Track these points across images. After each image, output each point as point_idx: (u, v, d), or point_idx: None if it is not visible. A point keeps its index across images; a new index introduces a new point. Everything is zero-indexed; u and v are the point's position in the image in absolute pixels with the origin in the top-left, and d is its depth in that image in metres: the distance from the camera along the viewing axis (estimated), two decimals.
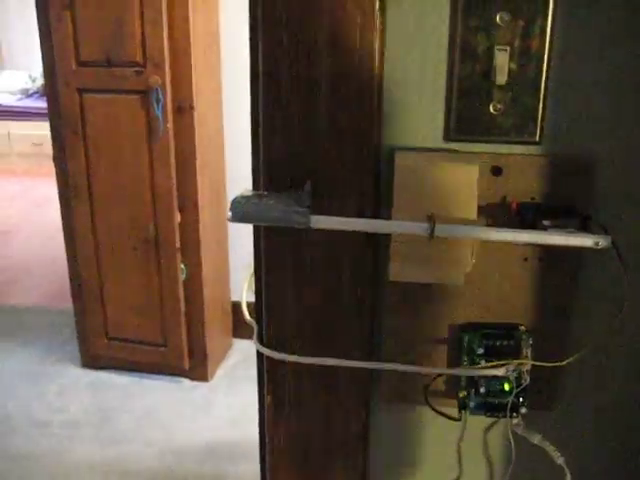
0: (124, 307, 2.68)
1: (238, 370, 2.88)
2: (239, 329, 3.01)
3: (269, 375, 0.72)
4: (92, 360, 2.85)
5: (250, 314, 0.77)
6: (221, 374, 2.85)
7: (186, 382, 2.79)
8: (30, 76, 5.79)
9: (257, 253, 0.71)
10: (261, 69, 0.64)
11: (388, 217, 0.64)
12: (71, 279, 2.75)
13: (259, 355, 0.75)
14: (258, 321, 0.74)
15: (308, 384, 0.72)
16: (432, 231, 0.59)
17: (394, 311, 0.70)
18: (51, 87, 2.51)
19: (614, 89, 0.63)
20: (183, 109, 2.44)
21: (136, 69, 2.37)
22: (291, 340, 0.71)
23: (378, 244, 0.68)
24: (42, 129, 2.57)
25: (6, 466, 2.30)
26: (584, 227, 0.63)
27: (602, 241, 0.59)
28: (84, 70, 2.41)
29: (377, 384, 0.74)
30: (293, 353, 0.70)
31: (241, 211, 0.59)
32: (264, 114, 0.64)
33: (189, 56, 2.38)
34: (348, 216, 0.62)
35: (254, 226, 0.70)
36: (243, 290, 0.80)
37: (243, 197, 0.60)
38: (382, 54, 0.64)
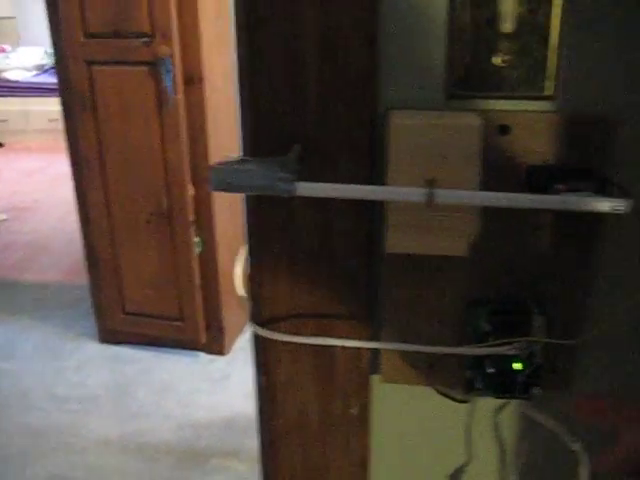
0: (140, 282, 2.66)
1: None
2: None
3: (262, 355, 0.68)
4: (109, 335, 2.85)
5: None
6: (238, 347, 2.83)
7: (203, 356, 2.77)
8: (46, 52, 5.75)
9: (249, 224, 0.66)
10: (244, 23, 0.58)
11: (384, 183, 0.58)
12: (86, 254, 2.74)
13: (253, 334, 0.70)
14: (252, 297, 0.69)
15: (304, 365, 0.67)
16: (431, 197, 0.53)
17: (394, 286, 0.65)
18: (60, 61, 2.47)
19: (638, 38, 0.56)
20: (193, 80, 2.39)
21: (144, 40, 2.32)
22: (285, 318, 0.66)
23: (374, 213, 0.62)
24: (58, 105, 2.53)
25: (25, 441, 2.31)
26: (601, 191, 0.57)
27: (621, 205, 0.53)
28: (92, 42, 2.37)
29: (377, 364, 0.69)
30: (287, 332, 0.66)
31: (221, 179, 0.54)
32: (247, 72, 0.58)
33: (198, 26, 2.33)
34: (340, 182, 0.57)
35: (245, 195, 0.65)
36: (236, 264, 0.75)
37: (224, 164, 0.55)
38: (376, 3, 0.58)
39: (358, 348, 0.66)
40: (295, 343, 0.66)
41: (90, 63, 2.40)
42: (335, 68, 0.57)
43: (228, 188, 0.55)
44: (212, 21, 2.43)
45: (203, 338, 2.71)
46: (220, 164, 0.55)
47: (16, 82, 5.59)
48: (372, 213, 0.62)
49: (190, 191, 2.49)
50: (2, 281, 3.47)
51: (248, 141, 0.60)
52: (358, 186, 0.54)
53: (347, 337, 0.65)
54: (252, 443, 2.40)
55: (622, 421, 0.51)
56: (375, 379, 0.70)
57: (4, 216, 4.27)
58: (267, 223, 0.62)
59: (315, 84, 0.58)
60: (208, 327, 2.71)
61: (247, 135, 0.60)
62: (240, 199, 2.43)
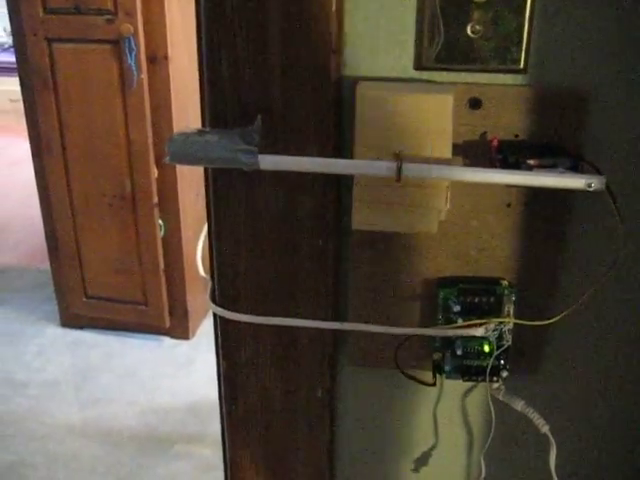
0: (102, 265, 2.61)
1: None
2: None
3: (223, 337, 0.65)
4: (71, 319, 2.80)
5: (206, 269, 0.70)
6: (202, 332, 2.80)
7: (167, 340, 2.74)
8: (5, 29, 5.59)
9: (207, 200, 0.63)
10: None
11: (351, 156, 0.56)
12: (47, 237, 2.67)
13: (214, 315, 0.68)
14: (212, 277, 0.66)
15: (266, 347, 0.65)
16: (399, 171, 0.50)
17: (360, 264, 0.62)
18: (19, 37, 2.39)
19: (614, 8, 0.55)
20: (157, 59, 2.34)
21: (107, 17, 2.26)
22: (246, 298, 0.63)
23: (340, 188, 0.60)
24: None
25: None
26: (574, 168, 0.55)
27: (595, 182, 0.51)
28: (52, 18, 2.30)
29: (342, 346, 0.67)
30: (248, 312, 0.63)
31: (179, 150, 0.51)
32: (207, 39, 0.55)
33: (162, 3, 2.27)
34: (306, 155, 0.54)
35: (204, 169, 0.62)
36: (199, 242, 0.72)
37: (182, 134, 0.52)
38: None
39: (322, 329, 0.63)
40: (257, 324, 0.63)
41: (50, 40, 2.33)
42: (299, 35, 0.54)
43: (186, 160, 0.52)
44: None
45: (167, 322, 2.67)
46: (178, 135, 0.52)
47: None
48: (338, 188, 0.59)
49: (154, 173, 2.44)
50: None
51: (208, 113, 0.57)
52: (323, 159, 0.51)
53: (311, 318, 0.63)
54: (216, 428, 2.36)
55: None
56: (340, 361, 0.68)
57: None
58: (228, 198, 0.59)
59: (278, 52, 0.55)
60: (172, 311, 2.67)
61: (207, 106, 0.57)
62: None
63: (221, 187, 0.59)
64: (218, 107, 0.56)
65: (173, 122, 2.40)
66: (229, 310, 0.63)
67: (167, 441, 2.22)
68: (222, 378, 0.67)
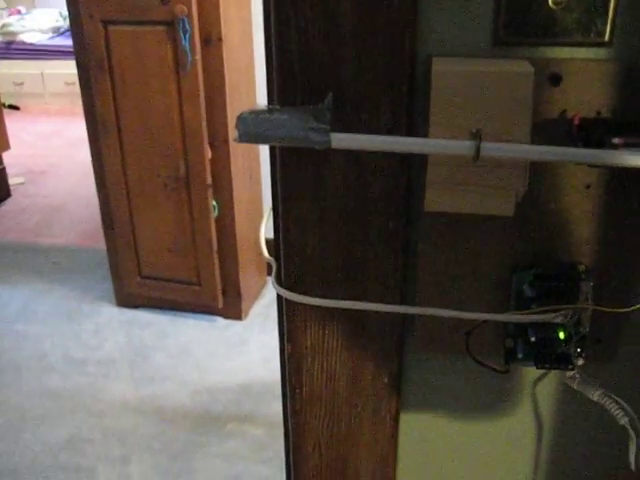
0: (156, 246, 2.64)
1: (272, 309, 2.82)
2: None
3: (288, 320, 0.64)
4: (127, 299, 2.84)
5: (270, 251, 0.69)
6: (255, 312, 2.81)
7: (220, 320, 2.76)
8: (61, 13, 5.67)
9: (274, 181, 0.62)
10: None
11: (425, 135, 0.54)
12: (103, 218, 2.71)
13: (279, 298, 0.67)
14: (277, 259, 0.65)
15: (333, 330, 0.64)
16: (478, 151, 0.48)
17: (431, 247, 0.60)
18: (75, 20, 2.42)
19: None
20: (211, 40, 2.34)
21: None
22: (312, 281, 0.62)
23: (414, 168, 0.58)
24: (74, 68, 2.50)
25: (43, 403, 2.31)
26: None
27: None
28: (108, 1, 2.31)
29: (411, 331, 0.65)
30: (315, 296, 0.62)
31: (248, 129, 0.50)
32: (276, 12, 0.53)
33: None
34: (377, 134, 0.52)
35: (270, 148, 0.61)
36: (261, 224, 0.71)
37: (252, 113, 0.50)
38: None
39: (391, 313, 0.62)
40: (324, 307, 0.62)
41: (106, 23, 2.35)
42: (372, 10, 0.52)
43: (256, 139, 0.51)
44: None
45: (220, 303, 2.69)
46: (248, 113, 0.51)
47: (32, 45, 5.52)
48: (410, 169, 0.57)
49: (208, 154, 2.44)
50: (19, 244, 3.47)
51: (277, 92, 0.56)
52: (398, 137, 0.50)
53: (380, 301, 0.61)
54: (268, 408, 2.40)
55: None
56: (408, 346, 0.66)
57: (21, 179, 4.26)
58: (295, 179, 0.58)
59: (350, 29, 0.53)
60: (225, 292, 2.69)
61: (277, 86, 0.56)
62: (258, 163, 2.36)
63: (289, 167, 0.58)
64: (288, 86, 0.54)
65: (227, 103, 2.40)
66: (295, 292, 0.62)
67: (220, 420, 2.24)
68: (287, 361, 0.66)
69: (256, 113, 0.50)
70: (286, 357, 0.66)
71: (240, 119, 0.50)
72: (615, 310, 0.58)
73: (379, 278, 0.61)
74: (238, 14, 2.46)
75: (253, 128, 0.50)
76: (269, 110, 0.51)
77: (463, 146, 0.48)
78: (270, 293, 2.95)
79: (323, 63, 0.54)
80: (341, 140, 0.49)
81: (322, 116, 0.49)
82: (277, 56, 0.55)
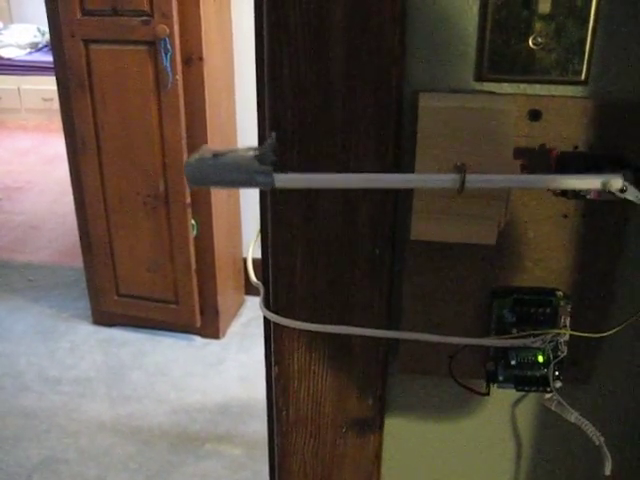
0: (134, 264, 2.64)
1: (250, 327, 2.84)
2: (251, 286, 2.95)
3: (276, 343, 0.65)
4: (103, 317, 2.83)
5: (258, 275, 0.71)
6: (233, 331, 2.81)
7: (198, 339, 2.75)
8: (39, 29, 5.66)
9: (263, 207, 0.64)
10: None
11: (412, 167, 0.56)
12: (81, 235, 2.71)
13: (266, 321, 0.68)
14: (265, 283, 0.67)
15: (319, 354, 0.65)
16: (463, 183, 0.51)
17: (416, 274, 0.63)
18: (56, 38, 2.42)
19: None
20: (192, 60, 2.36)
21: (143, 18, 2.28)
22: (300, 305, 0.64)
23: (400, 196, 0.60)
24: (52, 84, 2.49)
25: (17, 422, 2.29)
26: (635, 181, 0.55)
27: (613, 182, 0.51)
28: (89, 20, 2.32)
29: (396, 354, 0.67)
30: (302, 319, 0.64)
31: (195, 175, 0.51)
32: (269, 49, 0.55)
33: (198, 5, 2.29)
34: (366, 168, 0.54)
35: None
36: (249, 248, 0.73)
37: (197, 159, 0.52)
38: None
39: (376, 337, 0.64)
40: (311, 331, 0.64)
41: (87, 41, 2.36)
42: (361, 47, 0.55)
43: (204, 183, 0.52)
44: (213, 0, 2.39)
45: (198, 321, 2.69)
46: (194, 160, 0.52)
47: (9, 60, 5.50)
48: (396, 197, 0.60)
49: None
50: None
51: (269, 120, 0.58)
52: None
53: (365, 326, 0.63)
54: (246, 428, 2.40)
55: None
56: (392, 368, 0.68)
57: None
58: (285, 205, 0.60)
59: (340, 63, 0.55)
60: (203, 310, 2.69)
61: (268, 114, 0.58)
62: None
63: (277, 194, 0.60)
64: (279, 114, 0.56)
65: (207, 123, 2.41)
66: (283, 317, 0.64)
67: (197, 440, 2.23)
68: (274, 383, 0.67)
69: (201, 160, 0.52)
70: (273, 379, 0.68)
71: (186, 166, 0.51)
72: (591, 335, 0.60)
73: (365, 303, 0.63)
74: (219, 34, 2.49)
75: (199, 174, 0.51)
76: (214, 155, 0.52)
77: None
78: (248, 312, 2.95)
79: (313, 96, 0.56)
80: (285, 181, 0.51)
81: (265, 158, 0.51)
82: (269, 87, 0.57)
